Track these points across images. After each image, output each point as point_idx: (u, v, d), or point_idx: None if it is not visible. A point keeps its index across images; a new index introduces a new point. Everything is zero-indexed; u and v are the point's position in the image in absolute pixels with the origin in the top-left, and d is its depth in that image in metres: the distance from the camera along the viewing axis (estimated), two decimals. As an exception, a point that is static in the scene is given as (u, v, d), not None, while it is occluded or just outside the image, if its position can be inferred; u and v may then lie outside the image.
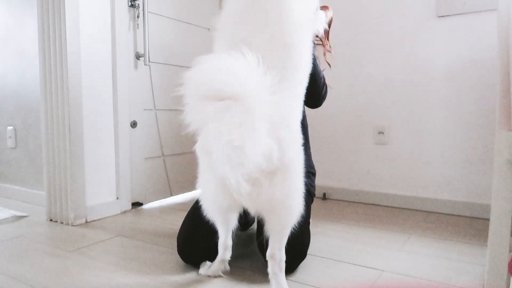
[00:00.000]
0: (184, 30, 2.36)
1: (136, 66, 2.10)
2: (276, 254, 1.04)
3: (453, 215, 1.90)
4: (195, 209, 1.32)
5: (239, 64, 0.84)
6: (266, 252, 1.10)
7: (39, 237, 1.61)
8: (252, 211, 1.02)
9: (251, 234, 1.60)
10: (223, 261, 1.20)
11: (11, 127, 2.34)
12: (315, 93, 1.28)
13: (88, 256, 1.37)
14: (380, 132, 2.11)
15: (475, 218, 1.84)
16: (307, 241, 1.22)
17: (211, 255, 1.27)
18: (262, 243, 1.21)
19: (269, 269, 1.05)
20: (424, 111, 1.99)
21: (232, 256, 1.35)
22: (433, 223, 1.77)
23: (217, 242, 1.27)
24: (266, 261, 1.19)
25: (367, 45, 2.13)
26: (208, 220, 1.25)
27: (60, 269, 1.26)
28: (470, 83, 1.86)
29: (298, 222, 1.19)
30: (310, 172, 1.47)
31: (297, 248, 1.17)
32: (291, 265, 1.18)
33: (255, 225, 1.64)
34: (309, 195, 1.42)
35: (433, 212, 1.95)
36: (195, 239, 1.24)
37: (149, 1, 2.09)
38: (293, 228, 1.16)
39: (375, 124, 2.13)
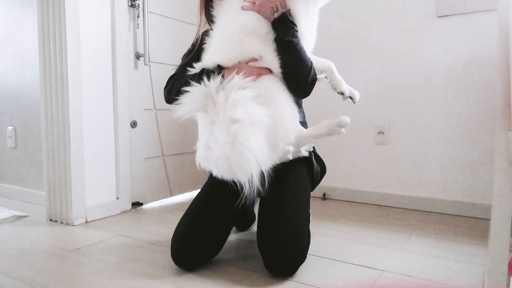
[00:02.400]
0: (184, 30, 2.36)
1: (136, 66, 2.10)
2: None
3: (453, 215, 1.90)
4: (190, 213, 1.31)
5: None
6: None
7: (39, 237, 1.61)
8: None
9: (250, 234, 1.60)
10: None
11: (11, 127, 2.34)
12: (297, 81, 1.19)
13: (88, 256, 1.37)
14: (380, 132, 2.11)
15: (475, 218, 1.84)
16: (307, 244, 1.21)
17: (205, 259, 1.27)
18: (261, 243, 1.21)
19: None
20: (424, 111, 1.99)
21: (232, 257, 1.35)
22: (433, 223, 1.77)
23: (212, 246, 1.25)
24: (265, 261, 1.19)
25: (367, 45, 2.13)
26: (203, 224, 1.24)
27: (60, 269, 1.26)
28: (470, 83, 1.86)
29: (298, 223, 1.19)
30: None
31: (297, 250, 1.16)
32: (291, 268, 1.17)
33: (255, 226, 1.64)
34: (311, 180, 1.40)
35: (433, 212, 1.95)
36: (189, 244, 1.22)
37: (149, 1, 2.09)
38: (293, 231, 1.15)
39: (375, 124, 2.13)
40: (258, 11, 1.13)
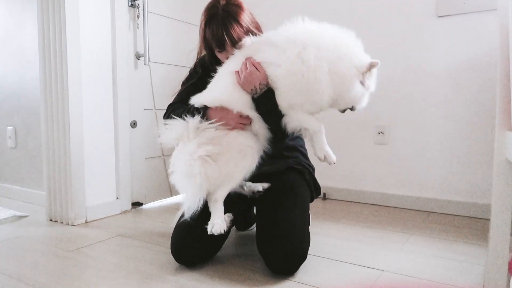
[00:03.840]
0: (184, 30, 2.36)
1: (136, 66, 2.10)
2: None
3: (453, 215, 1.90)
4: None
5: None
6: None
7: (39, 237, 1.61)
8: None
9: (251, 234, 1.60)
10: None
11: (11, 127, 2.34)
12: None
13: (88, 256, 1.37)
14: (380, 132, 2.11)
15: (475, 218, 1.84)
16: (307, 242, 1.22)
17: (205, 255, 1.27)
18: (260, 242, 1.21)
19: None
20: (424, 111, 1.99)
21: (233, 257, 1.35)
22: (433, 223, 1.77)
23: (212, 243, 1.26)
24: (266, 261, 1.19)
25: (367, 45, 2.11)
26: (203, 221, 1.25)
27: (60, 269, 1.26)
28: (470, 83, 1.86)
29: (297, 222, 1.19)
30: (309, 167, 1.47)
31: (298, 250, 1.16)
32: (292, 267, 1.18)
33: (255, 226, 1.64)
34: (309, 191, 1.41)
35: (433, 212, 1.95)
36: (189, 240, 1.23)
37: (149, 1, 2.09)
38: (293, 230, 1.16)
39: (375, 124, 2.13)
40: (242, 87, 1.18)
